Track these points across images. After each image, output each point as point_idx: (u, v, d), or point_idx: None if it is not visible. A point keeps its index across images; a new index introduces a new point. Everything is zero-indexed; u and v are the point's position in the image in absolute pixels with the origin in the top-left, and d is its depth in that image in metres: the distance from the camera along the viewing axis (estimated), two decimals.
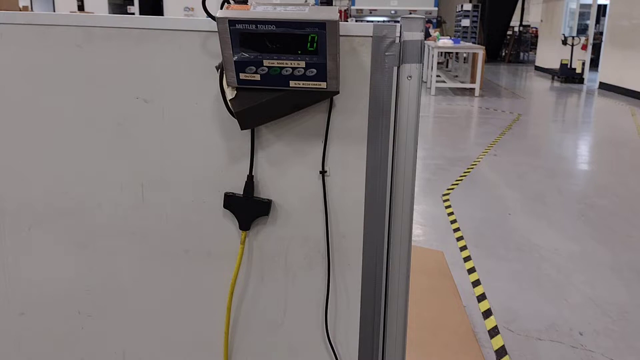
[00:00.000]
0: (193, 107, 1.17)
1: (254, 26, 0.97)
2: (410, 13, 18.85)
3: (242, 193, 1.19)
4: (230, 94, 1.07)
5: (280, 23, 0.96)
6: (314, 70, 1.01)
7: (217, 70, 1.10)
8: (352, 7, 18.68)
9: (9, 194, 1.26)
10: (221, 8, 1.07)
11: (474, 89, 10.78)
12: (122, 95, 1.18)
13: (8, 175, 1.25)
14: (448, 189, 4.42)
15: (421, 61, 1.11)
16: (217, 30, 1.08)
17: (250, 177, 1.18)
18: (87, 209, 1.25)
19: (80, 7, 15.77)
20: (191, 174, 1.21)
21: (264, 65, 1.01)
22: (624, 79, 9.51)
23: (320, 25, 0.96)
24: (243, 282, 1.25)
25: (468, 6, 17.61)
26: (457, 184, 4.59)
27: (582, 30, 14.94)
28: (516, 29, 20.05)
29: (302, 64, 1.01)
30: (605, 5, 14.00)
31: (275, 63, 1.01)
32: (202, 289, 1.27)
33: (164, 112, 1.18)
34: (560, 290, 2.74)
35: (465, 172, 4.96)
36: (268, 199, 1.19)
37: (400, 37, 1.11)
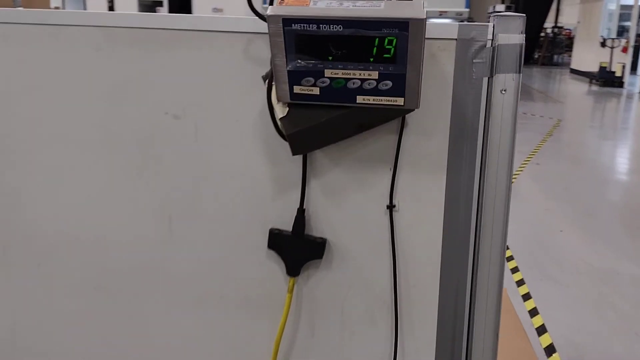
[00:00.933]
0: (232, 124, 0.96)
1: (314, 26, 0.75)
2: (440, 14, 18.48)
3: (290, 230, 0.97)
4: (280, 111, 0.85)
5: (349, 22, 0.74)
6: (389, 83, 0.79)
7: (264, 82, 0.89)
8: None
9: (14, 224, 1.07)
10: (271, 3, 0.86)
11: None
12: (148, 109, 0.98)
13: (13, 200, 1.06)
14: None
15: (520, 70, 0.88)
16: (264, 31, 0.87)
17: (301, 211, 0.96)
18: (104, 244, 1.05)
19: (111, 8, 15.83)
20: (229, 206, 1.00)
21: (326, 76, 0.80)
22: None
23: (402, 25, 0.74)
24: (290, 338, 1.03)
25: (501, 7, 17.16)
26: None
27: (620, 32, 14.42)
28: (549, 31, 19.53)
29: (375, 74, 0.79)
30: None
31: (340, 73, 0.79)
32: (241, 343, 1.05)
33: (197, 131, 0.97)
34: (627, 322, 2.47)
35: None
36: (322, 238, 0.98)
37: (493, 39, 0.88)
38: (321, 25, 0.75)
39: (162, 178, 1.00)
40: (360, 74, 0.79)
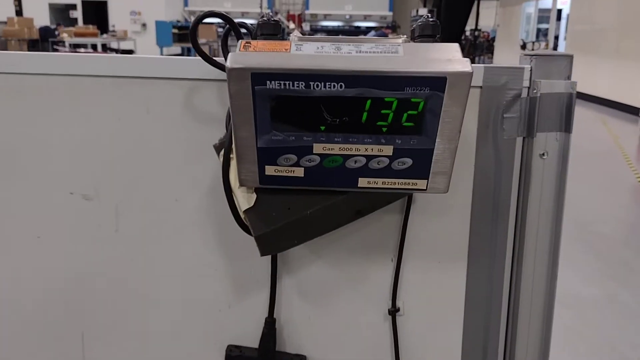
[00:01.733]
0: (169, 206, 0.68)
1: (301, 85, 0.49)
2: (365, 18, 18.55)
3: (256, 347, 0.71)
4: (244, 199, 0.58)
5: (356, 79, 0.48)
6: (408, 161, 0.54)
7: (217, 153, 0.61)
8: (306, 12, 18.20)
9: None
10: (223, 42, 0.59)
11: None
12: (45, 187, 0.68)
13: None
14: None
15: (569, 128, 0.65)
16: (213, 77, 0.61)
17: (270, 322, 0.70)
18: None
19: (19, 13, 14.80)
20: (166, 317, 0.71)
21: (315, 152, 0.53)
22: (587, 86, 9.37)
23: (436, 82, 0.48)
24: None
25: (423, 11, 17.44)
26: None
27: (537, 34, 14.90)
28: (468, 34, 20.01)
29: (388, 150, 0.53)
30: (560, 10, 13.99)
31: (336, 149, 0.53)
32: None
33: (118, 217, 0.69)
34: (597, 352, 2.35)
35: None
36: (300, 356, 0.71)
37: (530, 87, 0.65)
38: (312, 84, 0.48)
39: (70, 283, 0.70)
40: (366, 150, 0.53)
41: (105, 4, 15.79)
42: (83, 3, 15.84)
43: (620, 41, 8.66)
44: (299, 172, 0.55)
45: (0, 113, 0.66)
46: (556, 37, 14.52)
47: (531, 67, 0.64)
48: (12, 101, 0.65)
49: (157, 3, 14.91)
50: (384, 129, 0.52)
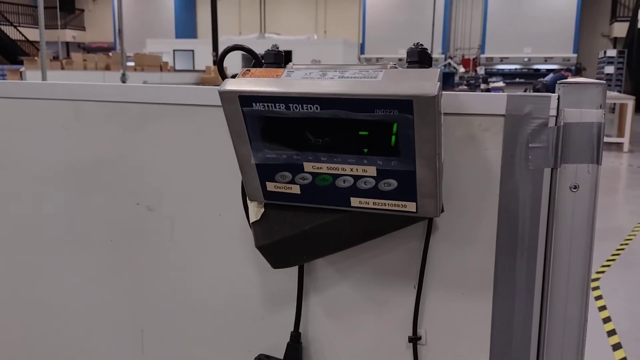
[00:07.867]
0: (214, 220, 0.76)
1: (282, 106, 0.53)
2: (546, 60, 17.75)
3: (282, 358, 0.74)
4: (253, 213, 0.64)
5: (327, 102, 0.52)
6: (393, 183, 0.56)
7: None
8: (482, 56, 17.92)
9: None
10: (219, 67, 0.66)
11: (622, 143, 9.60)
12: (118, 198, 0.80)
13: None
14: (597, 272, 3.67)
15: (598, 160, 0.61)
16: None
17: (295, 336, 0.73)
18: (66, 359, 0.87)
19: (215, 62, 16.52)
20: (209, 323, 0.78)
21: (306, 170, 0.57)
22: None
23: (403, 104, 0.50)
24: None
25: (612, 52, 16.19)
26: (608, 266, 3.79)
27: None
28: None
29: (372, 170, 0.55)
30: None
31: (324, 168, 0.57)
32: None
33: (174, 226, 0.78)
34: None
35: (618, 250, 4.14)
36: None
37: (558, 116, 0.62)
38: (291, 105, 0.53)
39: (135, 284, 0.81)
40: (352, 170, 0.56)
41: (290, 53, 17.08)
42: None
43: None
44: (296, 189, 0.59)
45: (89, 136, 0.79)
46: None
47: (559, 95, 0.62)
48: (98, 126, 0.78)
49: (336, 51, 15.74)
50: (365, 150, 0.54)
